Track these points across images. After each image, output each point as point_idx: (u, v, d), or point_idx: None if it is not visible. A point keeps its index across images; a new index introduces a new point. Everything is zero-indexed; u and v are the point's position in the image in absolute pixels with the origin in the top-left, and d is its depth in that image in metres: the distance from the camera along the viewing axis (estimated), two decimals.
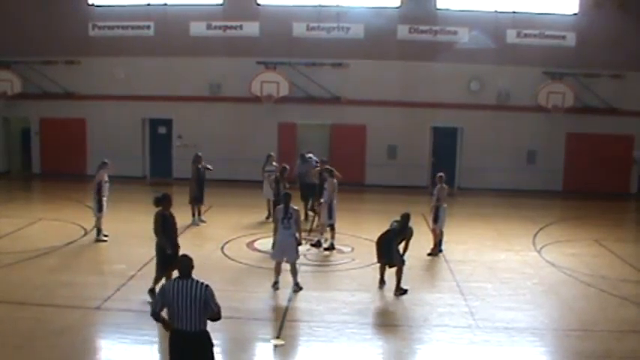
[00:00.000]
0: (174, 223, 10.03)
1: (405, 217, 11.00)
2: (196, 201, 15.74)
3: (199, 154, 16.06)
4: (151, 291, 9.86)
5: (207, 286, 6.33)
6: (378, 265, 11.22)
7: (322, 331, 9.34)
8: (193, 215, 15.74)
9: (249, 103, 21.73)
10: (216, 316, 6.38)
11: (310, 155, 17.18)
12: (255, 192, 17.42)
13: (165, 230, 9.86)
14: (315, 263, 12.94)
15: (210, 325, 6.43)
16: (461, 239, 14.87)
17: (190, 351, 6.29)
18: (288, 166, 15.39)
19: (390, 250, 10.90)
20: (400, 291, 10.83)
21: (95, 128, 22.58)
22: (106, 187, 13.94)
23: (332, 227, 13.96)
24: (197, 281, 6.34)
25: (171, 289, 6.30)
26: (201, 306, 6.22)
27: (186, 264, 6.44)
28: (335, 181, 14.15)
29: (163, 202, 9.85)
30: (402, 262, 10.91)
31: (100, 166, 14.15)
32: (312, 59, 21.81)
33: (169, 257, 9.65)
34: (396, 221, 11.07)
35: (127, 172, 21.03)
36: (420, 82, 21.65)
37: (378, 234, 11.22)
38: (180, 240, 14.19)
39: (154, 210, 9.93)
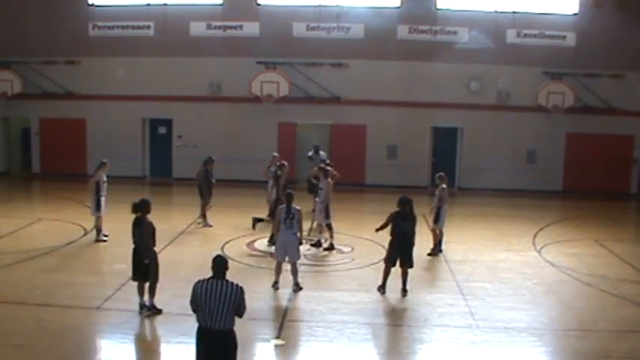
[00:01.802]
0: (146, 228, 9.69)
1: (409, 203, 10.82)
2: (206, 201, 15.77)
3: (213, 157, 16.01)
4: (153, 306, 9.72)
5: (241, 287, 6.54)
6: (384, 268, 11.00)
7: (322, 331, 9.34)
8: (204, 216, 15.76)
9: (249, 103, 21.73)
10: (240, 315, 6.62)
11: (323, 154, 17.33)
12: (256, 192, 17.45)
13: (148, 237, 9.65)
14: (315, 263, 12.95)
15: None
16: (461, 239, 14.88)
17: (217, 349, 6.48)
18: (286, 163, 15.50)
19: (412, 252, 10.88)
20: (406, 292, 10.87)
21: (95, 128, 22.59)
22: (104, 186, 13.93)
23: (329, 227, 13.96)
24: (231, 282, 6.53)
25: (203, 290, 6.46)
26: (233, 306, 6.44)
27: (220, 265, 6.60)
28: (330, 181, 14.17)
29: (143, 208, 9.62)
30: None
31: (99, 166, 14.14)
32: (312, 59, 21.81)
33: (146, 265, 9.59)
34: (401, 217, 10.85)
35: (127, 172, 21.06)
36: (420, 82, 21.65)
37: (381, 234, 11.17)
38: (182, 240, 14.33)
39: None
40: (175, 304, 9.82)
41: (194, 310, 6.64)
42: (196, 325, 6.58)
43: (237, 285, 6.53)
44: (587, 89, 21.47)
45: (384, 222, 10.97)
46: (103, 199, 13.86)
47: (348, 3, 21.69)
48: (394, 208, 10.99)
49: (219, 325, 6.40)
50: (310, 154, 18.14)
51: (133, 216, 9.62)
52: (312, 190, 16.49)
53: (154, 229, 9.64)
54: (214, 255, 6.77)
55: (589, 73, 21.36)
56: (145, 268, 9.52)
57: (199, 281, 6.59)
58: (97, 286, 10.90)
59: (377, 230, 11.17)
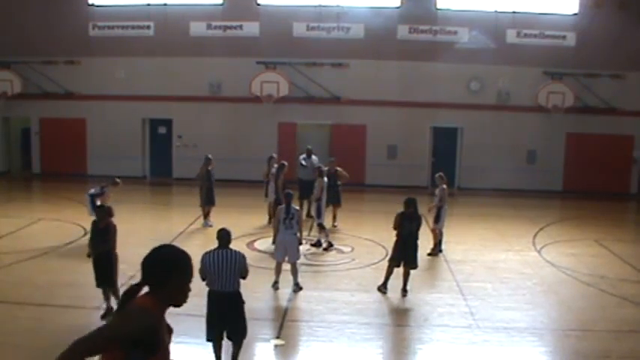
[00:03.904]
0: (113, 233, 9.55)
1: (414, 204, 10.80)
2: (208, 203, 15.70)
3: (209, 156, 15.89)
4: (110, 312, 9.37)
5: (243, 255, 7.73)
6: (387, 267, 10.97)
7: (322, 331, 9.34)
8: (205, 217, 15.72)
9: (249, 103, 21.73)
10: (244, 277, 7.71)
11: (315, 159, 17.21)
12: (256, 192, 17.41)
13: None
14: (315, 263, 12.94)
15: None
16: (461, 239, 14.88)
17: (227, 308, 7.53)
18: (286, 163, 15.51)
19: (416, 253, 10.89)
20: (406, 292, 10.87)
21: (95, 128, 22.59)
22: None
23: (321, 226, 13.93)
24: (234, 250, 7.71)
25: (212, 259, 7.56)
26: (238, 271, 7.56)
27: (225, 236, 7.74)
28: (325, 180, 14.19)
29: (99, 214, 9.68)
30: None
31: (113, 183, 14.08)
32: (312, 59, 21.81)
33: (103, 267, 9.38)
34: (407, 218, 10.86)
35: (127, 172, 21.01)
36: (419, 82, 21.65)
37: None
38: (181, 240, 14.31)
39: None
40: None
41: (203, 279, 7.57)
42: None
43: (239, 252, 7.69)
44: (587, 89, 21.46)
45: (394, 223, 10.96)
46: (99, 203, 13.83)
47: (348, 3, 21.69)
48: (394, 208, 10.99)
49: (229, 288, 7.50)
50: (302, 157, 17.41)
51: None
52: (305, 193, 16.34)
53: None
54: (219, 228, 7.87)
55: (589, 73, 21.36)
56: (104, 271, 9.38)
57: (207, 252, 7.67)
58: None
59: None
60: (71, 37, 22.05)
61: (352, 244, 14.27)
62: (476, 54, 20.93)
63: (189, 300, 3.53)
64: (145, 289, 3.36)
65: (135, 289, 3.34)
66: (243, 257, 7.70)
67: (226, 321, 7.63)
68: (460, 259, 13.35)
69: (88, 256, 9.95)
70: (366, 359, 8.73)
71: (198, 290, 7.33)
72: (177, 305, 3.44)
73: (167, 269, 3.31)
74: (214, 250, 7.67)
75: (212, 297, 7.60)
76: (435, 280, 12.19)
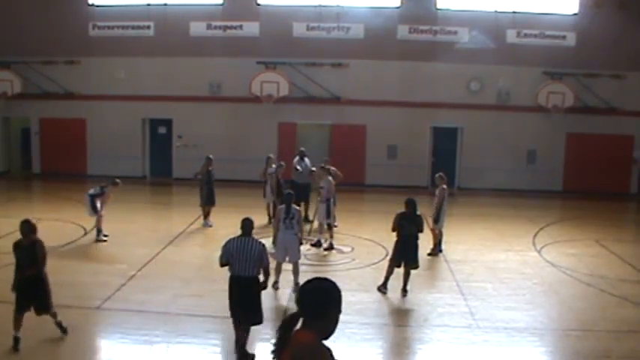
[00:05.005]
0: (41, 250, 8.80)
1: (413, 205, 10.80)
2: (208, 203, 15.70)
3: (210, 156, 15.87)
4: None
5: (263, 244, 8.25)
6: (387, 267, 10.96)
7: None
8: (205, 217, 15.71)
9: (249, 103, 21.73)
10: (266, 269, 8.22)
11: (308, 162, 17.05)
12: (256, 192, 17.41)
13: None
14: (315, 263, 12.93)
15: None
16: (461, 239, 14.87)
17: (245, 291, 8.02)
18: (284, 164, 15.45)
19: (416, 253, 10.89)
20: (406, 292, 10.87)
21: (95, 128, 22.58)
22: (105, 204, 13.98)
23: (329, 227, 13.95)
24: (255, 239, 8.26)
25: (235, 245, 8.13)
26: (256, 258, 8.05)
27: (248, 225, 8.31)
28: (332, 180, 14.17)
29: (22, 230, 8.70)
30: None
31: (113, 183, 14.07)
32: (312, 59, 21.81)
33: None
34: (405, 217, 10.88)
35: (127, 172, 21.01)
36: (420, 82, 21.65)
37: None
38: (182, 240, 14.32)
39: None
40: (176, 304, 9.83)
41: (222, 264, 8.18)
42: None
43: (259, 241, 8.25)
44: (587, 89, 21.46)
45: (392, 225, 10.98)
46: (99, 203, 13.86)
47: (348, 3, 21.68)
48: (394, 208, 10.98)
49: (247, 273, 8.00)
50: (296, 161, 16.86)
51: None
52: (301, 195, 16.03)
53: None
54: (243, 217, 8.39)
55: (589, 73, 21.35)
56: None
57: (231, 239, 8.23)
58: (97, 286, 10.89)
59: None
60: (71, 37, 22.05)
61: (352, 244, 14.26)
62: (476, 54, 20.93)
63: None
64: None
65: (292, 321, 3.66)
66: (263, 246, 8.22)
67: (241, 306, 8.03)
68: (460, 259, 13.34)
69: (12, 289, 8.37)
70: (366, 359, 8.72)
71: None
72: (329, 336, 3.70)
73: (326, 302, 3.65)
74: (238, 237, 8.23)
75: (232, 282, 8.10)
76: (435, 280, 12.19)
